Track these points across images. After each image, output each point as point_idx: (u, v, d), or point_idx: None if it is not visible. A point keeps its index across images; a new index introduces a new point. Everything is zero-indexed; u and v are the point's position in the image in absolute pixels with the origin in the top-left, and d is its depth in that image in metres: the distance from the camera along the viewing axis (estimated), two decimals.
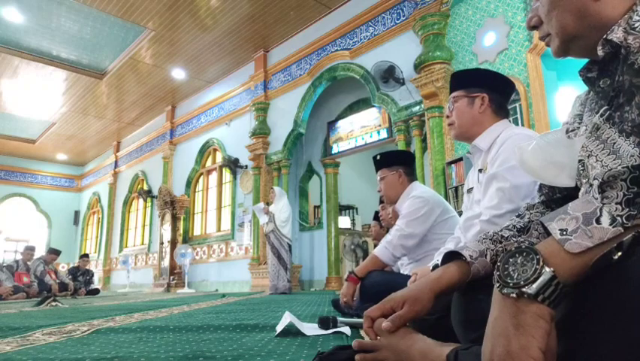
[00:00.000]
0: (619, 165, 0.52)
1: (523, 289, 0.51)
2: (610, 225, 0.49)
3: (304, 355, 1.17)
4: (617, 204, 0.49)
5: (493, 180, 1.41)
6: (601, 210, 0.50)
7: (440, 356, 0.69)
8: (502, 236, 0.83)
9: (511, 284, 0.52)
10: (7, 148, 12.99)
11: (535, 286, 0.50)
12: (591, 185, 0.61)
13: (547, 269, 0.51)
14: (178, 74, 8.97)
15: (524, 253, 0.53)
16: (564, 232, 0.51)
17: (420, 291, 0.79)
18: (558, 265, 0.51)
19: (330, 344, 1.36)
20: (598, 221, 0.49)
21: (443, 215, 2.28)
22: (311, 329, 1.62)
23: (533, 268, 0.51)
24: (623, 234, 0.49)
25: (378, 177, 2.49)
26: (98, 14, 6.89)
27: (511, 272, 0.53)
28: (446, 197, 4.64)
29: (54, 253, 7.48)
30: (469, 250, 0.82)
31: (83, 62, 8.52)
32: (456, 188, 4.69)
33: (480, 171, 1.54)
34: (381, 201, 3.04)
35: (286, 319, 1.66)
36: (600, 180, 0.52)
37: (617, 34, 0.64)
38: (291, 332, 1.60)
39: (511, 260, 0.54)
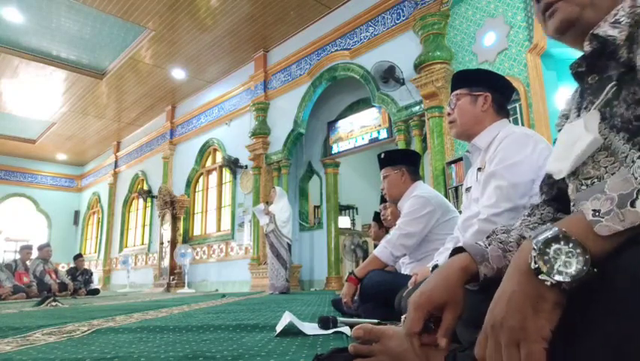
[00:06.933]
0: None
1: (563, 286, 0.49)
2: None
3: (304, 355, 1.17)
4: None
5: (491, 178, 1.41)
6: (638, 191, 0.47)
7: (438, 358, 0.68)
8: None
9: (551, 274, 0.49)
10: (7, 148, 12.99)
11: (575, 285, 0.48)
12: (631, 162, 0.58)
13: (592, 270, 0.48)
14: (178, 74, 8.97)
15: (570, 244, 0.49)
16: (596, 213, 0.49)
17: (455, 293, 0.72)
18: (592, 250, 0.49)
19: (330, 344, 1.36)
20: (632, 204, 0.47)
21: (445, 216, 2.28)
22: (311, 328, 1.62)
23: (579, 268, 0.48)
24: None
25: (382, 176, 2.48)
26: (98, 14, 6.89)
27: (552, 260, 0.49)
28: (446, 197, 4.62)
29: (45, 246, 7.46)
30: (489, 264, 0.76)
31: (83, 62, 8.52)
32: (456, 188, 4.69)
33: (479, 169, 1.54)
34: (382, 201, 3.04)
35: (286, 319, 1.66)
36: None
37: (603, 29, 0.64)
38: (291, 332, 1.60)
39: (553, 246, 0.50)
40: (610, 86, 0.64)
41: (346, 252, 7.79)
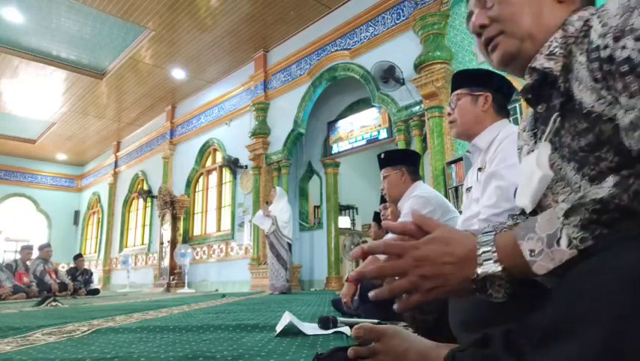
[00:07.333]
0: (587, 197, 0.55)
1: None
2: (567, 247, 0.53)
3: (304, 355, 1.17)
4: (574, 226, 0.54)
5: (491, 178, 1.41)
6: (561, 230, 0.54)
7: (438, 358, 0.68)
8: None
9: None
10: (7, 148, 12.98)
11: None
12: (557, 202, 0.66)
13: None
14: (178, 74, 8.97)
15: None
16: (533, 253, 0.56)
17: None
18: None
19: (330, 344, 1.37)
20: (558, 243, 0.54)
21: (445, 216, 2.28)
22: (311, 328, 1.62)
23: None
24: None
25: (382, 176, 2.48)
26: (98, 14, 6.89)
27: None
28: (446, 197, 4.62)
29: (46, 246, 7.47)
30: None
31: (83, 62, 8.52)
32: (456, 188, 4.69)
33: (479, 169, 1.54)
34: (382, 201, 3.04)
35: (286, 319, 1.66)
36: (570, 205, 0.55)
37: (539, 62, 0.67)
38: (291, 332, 1.60)
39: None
40: (555, 116, 0.67)
41: (346, 252, 7.79)
